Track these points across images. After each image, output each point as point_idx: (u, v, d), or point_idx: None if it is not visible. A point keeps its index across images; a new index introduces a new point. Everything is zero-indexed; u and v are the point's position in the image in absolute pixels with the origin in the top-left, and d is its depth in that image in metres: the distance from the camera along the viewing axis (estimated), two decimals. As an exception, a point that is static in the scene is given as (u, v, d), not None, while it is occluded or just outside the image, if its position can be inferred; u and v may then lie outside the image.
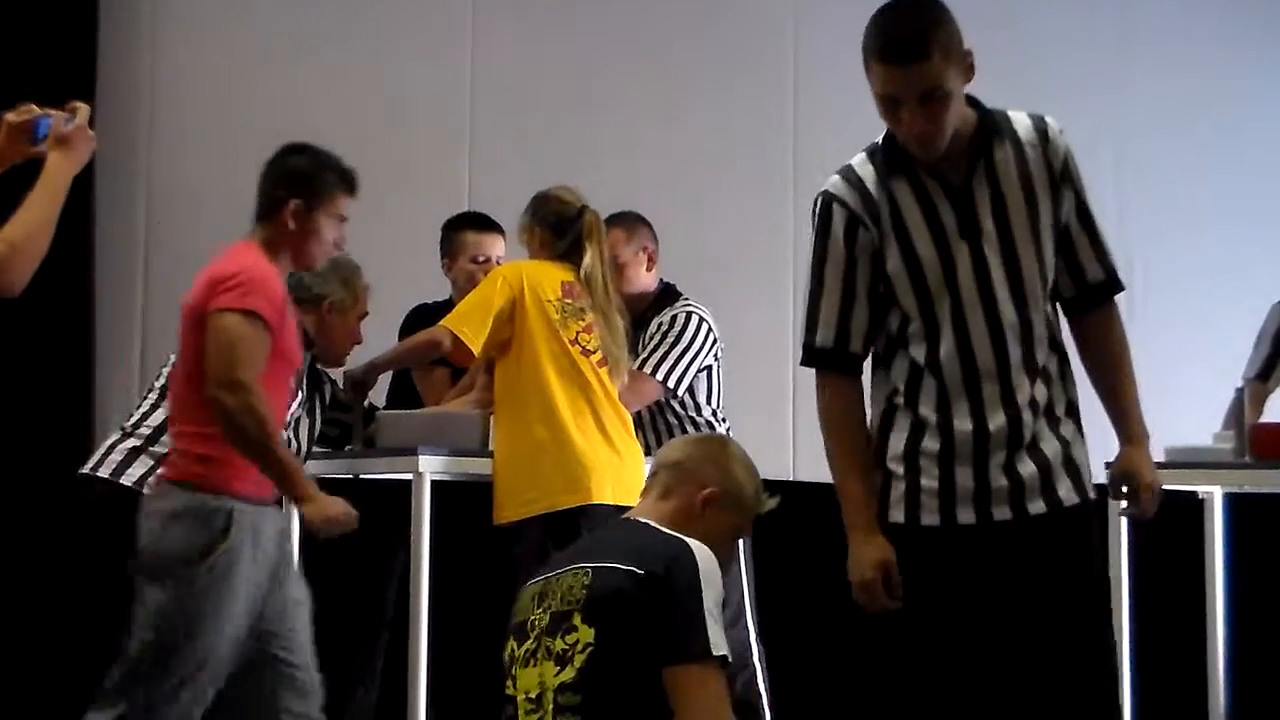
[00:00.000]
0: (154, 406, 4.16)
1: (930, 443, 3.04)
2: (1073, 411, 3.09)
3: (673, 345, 4.90)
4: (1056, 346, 3.08)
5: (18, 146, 3.20)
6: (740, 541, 4.98)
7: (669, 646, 2.94)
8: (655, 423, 5.02)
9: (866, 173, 3.12)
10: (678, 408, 5.01)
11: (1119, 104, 6.33)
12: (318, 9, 6.39)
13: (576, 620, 3.00)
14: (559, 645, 3.01)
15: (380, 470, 4.76)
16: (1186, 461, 4.65)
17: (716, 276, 5.86)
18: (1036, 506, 3.01)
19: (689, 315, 4.97)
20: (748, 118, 6.47)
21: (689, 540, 3.06)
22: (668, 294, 5.07)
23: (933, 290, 3.03)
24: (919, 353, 3.06)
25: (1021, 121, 3.07)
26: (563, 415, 4.44)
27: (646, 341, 4.92)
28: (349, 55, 6.33)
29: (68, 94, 3.30)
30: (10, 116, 3.20)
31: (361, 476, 4.90)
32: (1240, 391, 4.65)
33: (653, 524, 3.16)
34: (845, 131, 6.34)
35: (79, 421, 5.81)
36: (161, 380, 4.18)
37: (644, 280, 5.05)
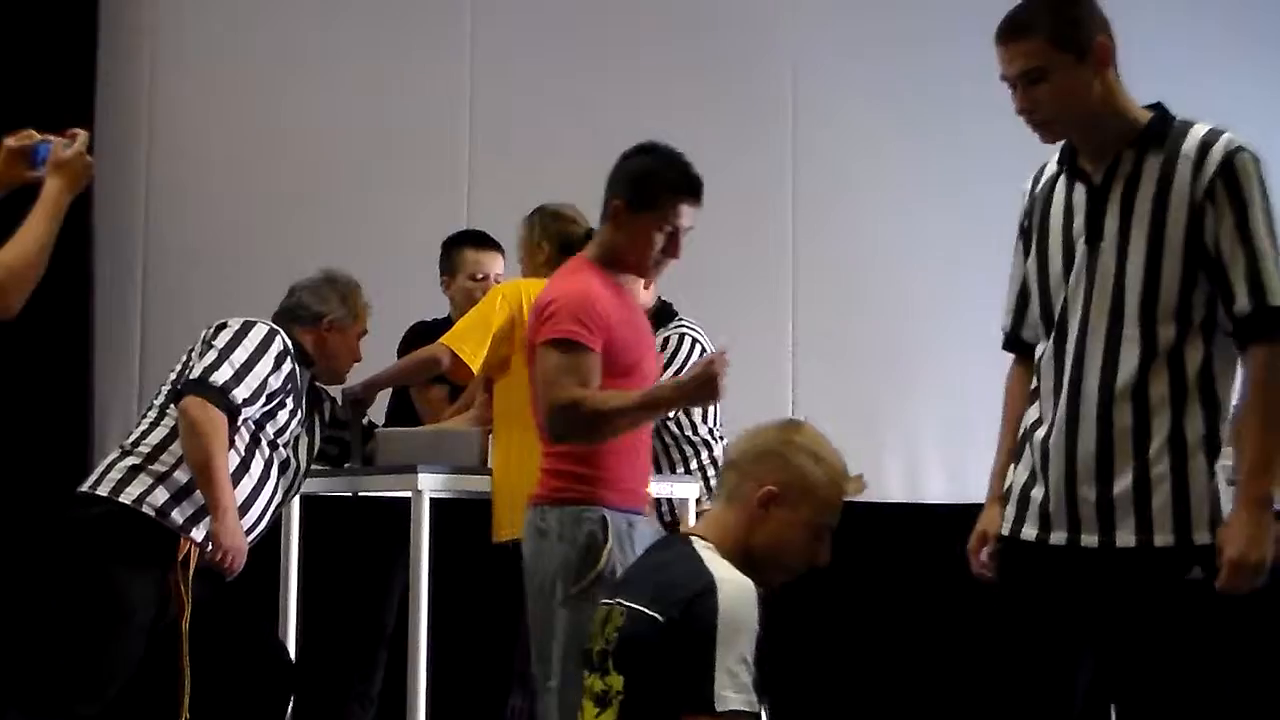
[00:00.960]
0: (153, 425, 4.13)
1: (1025, 448, 3.04)
2: (1179, 445, 2.87)
3: (665, 367, 4.90)
4: (1180, 373, 2.89)
5: (17, 171, 3.22)
6: None
7: (681, 694, 2.82)
8: (652, 443, 5.02)
9: (1049, 166, 3.10)
10: (673, 427, 5.02)
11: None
12: (316, 30, 6.40)
13: (610, 665, 2.93)
14: (599, 686, 2.95)
15: (379, 488, 4.76)
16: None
17: (716, 289, 5.86)
18: (1125, 539, 2.88)
19: (682, 337, 4.99)
20: (746, 131, 6.48)
21: (720, 576, 2.89)
22: (664, 312, 5.09)
23: (1051, 290, 3.00)
24: (1039, 351, 3.05)
25: (1194, 135, 2.93)
26: None
27: None
28: (348, 74, 6.34)
29: (66, 119, 3.32)
30: (10, 141, 3.22)
31: (360, 494, 4.91)
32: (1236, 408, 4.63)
33: (699, 546, 2.99)
34: (843, 141, 6.49)
35: (77, 440, 5.82)
36: (161, 399, 4.17)
37: (641, 297, 5.03)
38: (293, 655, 4.60)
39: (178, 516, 3.99)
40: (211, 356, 4.05)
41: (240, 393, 4.02)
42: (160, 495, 3.99)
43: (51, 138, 3.21)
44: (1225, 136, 2.92)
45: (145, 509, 3.97)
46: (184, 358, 4.19)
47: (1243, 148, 2.91)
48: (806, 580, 4.96)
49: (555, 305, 3.60)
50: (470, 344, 4.48)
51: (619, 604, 2.97)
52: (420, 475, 4.43)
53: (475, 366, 4.48)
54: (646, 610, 2.89)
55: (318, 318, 4.36)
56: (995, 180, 6.53)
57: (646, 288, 4.69)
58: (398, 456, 4.60)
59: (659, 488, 4.84)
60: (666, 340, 4.97)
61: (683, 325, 5.04)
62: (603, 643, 2.96)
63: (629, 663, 2.89)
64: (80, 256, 5.80)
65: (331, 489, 4.80)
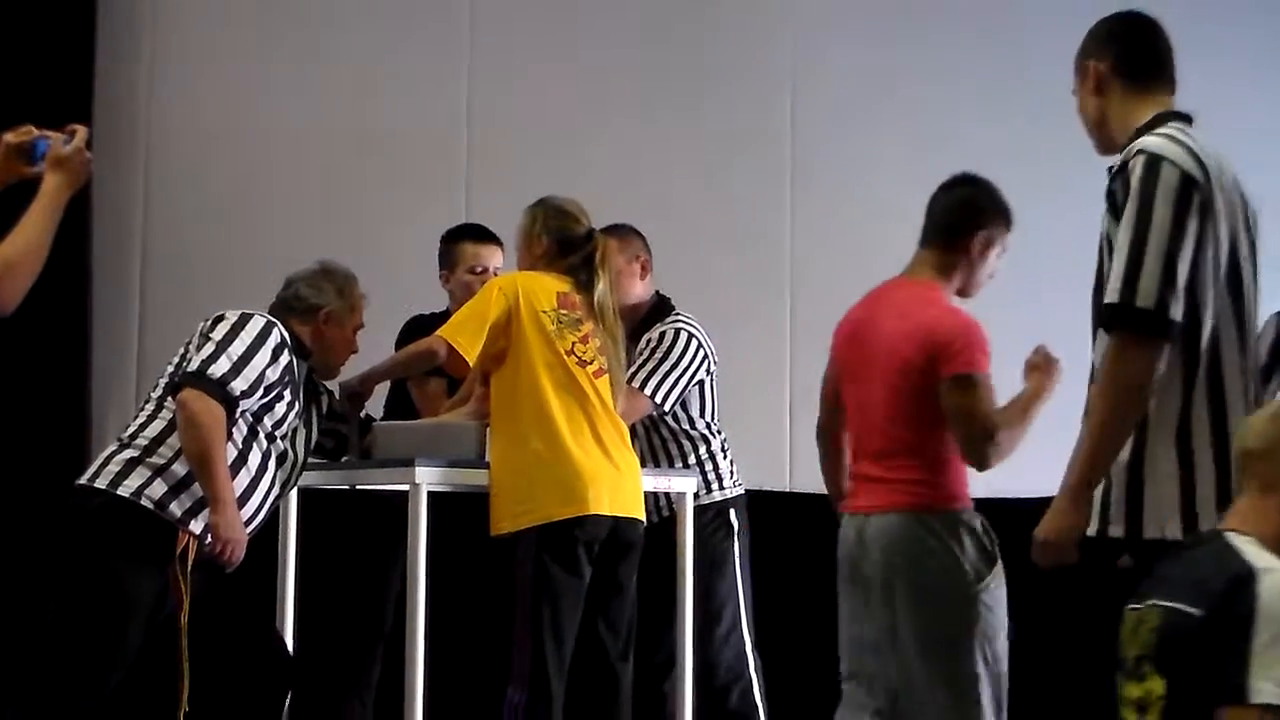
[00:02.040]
0: (150, 417, 4.13)
1: None
2: (1140, 436, 3.14)
3: (661, 361, 4.92)
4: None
5: (15, 167, 3.24)
6: (736, 551, 5.03)
7: (1218, 687, 2.73)
8: (650, 438, 5.05)
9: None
10: (670, 422, 5.03)
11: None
12: (315, 28, 6.40)
13: (1149, 669, 2.84)
14: (1136, 692, 2.87)
15: (377, 481, 4.78)
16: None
17: (714, 291, 5.88)
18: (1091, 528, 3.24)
19: (678, 332, 4.98)
20: (745, 130, 6.51)
21: (1262, 565, 2.79)
22: (662, 307, 5.09)
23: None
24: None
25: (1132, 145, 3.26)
26: (559, 427, 4.43)
27: (636, 357, 4.94)
28: (347, 74, 6.35)
29: (64, 116, 3.33)
30: (9, 137, 3.23)
31: (358, 487, 4.92)
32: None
33: (1235, 540, 2.87)
34: (841, 160, 6.51)
35: (75, 434, 5.83)
36: (158, 391, 4.18)
37: (637, 290, 5.06)
38: (290, 650, 4.62)
39: (176, 509, 4.00)
40: (209, 349, 4.04)
41: (238, 385, 4.02)
42: (159, 488, 4.00)
43: (50, 134, 3.22)
44: (1139, 144, 3.20)
45: (144, 501, 3.98)
46: (181, 350, 4.20)
47: (1143, 150, 3.15)
48: (800, 583, 4.99)
49: (962, 341, 3.84)
50: (466, 336, 4.45)
51: (1155, 605, 2.88)
52: (418, 468, 4.43)
53: (472, 358, 4.46)
54: (1184, 607, 2.82)
55: (314, 310, 4.36)
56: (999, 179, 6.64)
57: None
58: (395, 450, 4.60)
59: (656, 482, 4.86)
60: (663, 334, 4.97)
61: (679, 320, 5.04)
62: (1138, 648, 2.88)
63: (1171, 664, 2.81)
64: (77, 251, 5.80)
65: (329, 482, 4.81)
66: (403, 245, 6.05)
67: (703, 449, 5.07)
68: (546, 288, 4.56)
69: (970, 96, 6.53)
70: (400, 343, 5.15)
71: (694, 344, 4.98)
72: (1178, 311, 3.08)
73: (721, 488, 5.05)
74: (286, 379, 4.18)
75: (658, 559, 4.78)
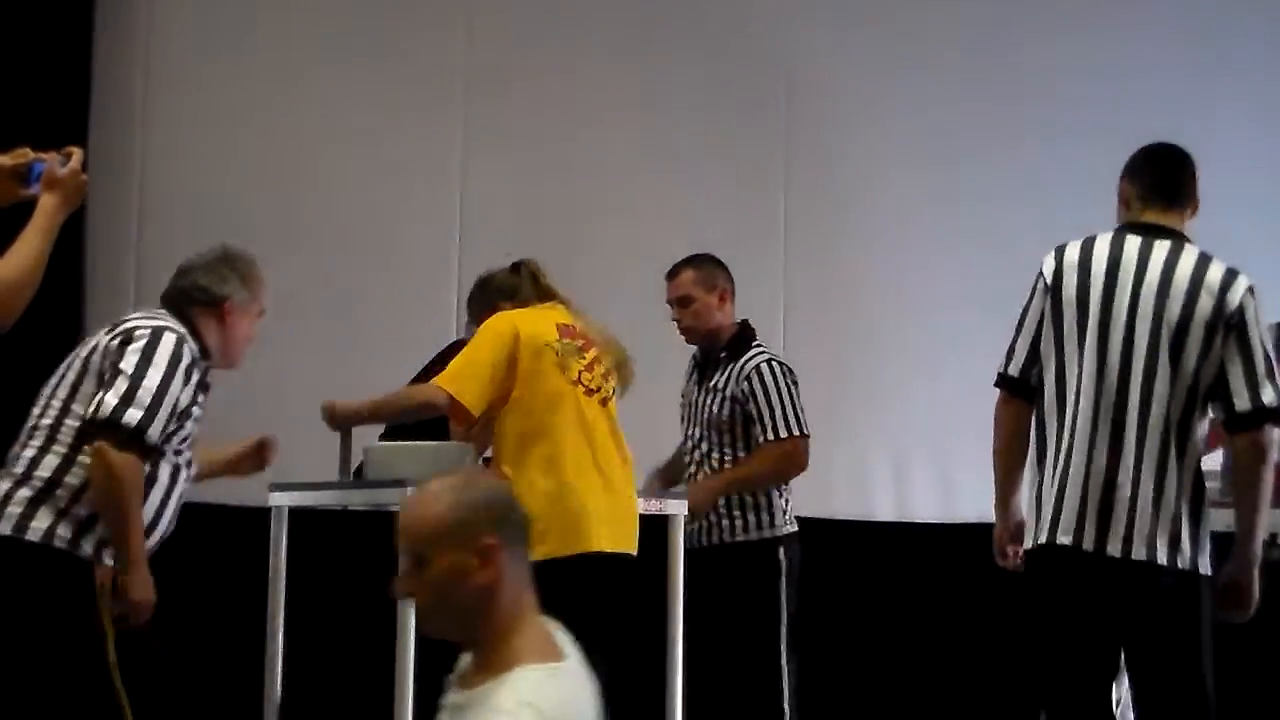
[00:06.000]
0: (43, 450, 3.79)
1: None
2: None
3: (782, 396, 4.99)
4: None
5: (11, 189, 3.24)
6: (781, 590, 5.02)
7: None
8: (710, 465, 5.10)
9: None
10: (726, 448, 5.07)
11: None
12: (313, 40, 6.41)
13: None
14: None
15: (369, 502, 4.78)
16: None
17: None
18: None
19: (768, 362, 5.04)
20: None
21: None
22: (744, 334, 5.15)
23: None
24: None
25: None
26: (564, 464, 4.41)
27: (743, 399, 5.00)
28: (343, 88, 6.36)
29: (60, 130, 3.34)
30: (4, 159, 3.23)
31: (350, 508, 4.93)
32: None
33: None
34: (836, 158, 6.53)
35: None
36: (49, 418, 3.83)
37: (719, 317, 5.12)
38: (279, 669, 4.60)
39: (87, 546, 3.74)
40: (122, 386, 3.73)
41: (155, 430, 3.74)
42: (66, 529, 3.73)
43: (46, 156, 3.23)
44: None
45: (57, 543, 3.73)
46: (80, 365, 3.85)
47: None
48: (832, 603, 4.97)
49: None
50: (467, 384, 4.38)
51: None
52: (409, 490, 4.43)
53: (474, 408, 4.39)
54: None
55: (218, 300, 4.04)
56: (988, 198, 6.67)
57: None
58: (387, 471, 4.60)
59: (648, 504, 4.85)
60: (759, 371, 5.02)
61: (763, 351, 5.11)
62: None
63: None
64: (73, 269, 5.81)
65: (323, 503, 4.81)
66: (400, 247, 6.07)
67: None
68: (546, 320, 4.53)
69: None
70: (435, 363, 5.06)
71: (785, 368, 5.06)
72: None
73: (773, 525, 5.05)
74: (196, 397, 3.88)
75: (701, 588, 4.89)
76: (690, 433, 5.13)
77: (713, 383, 5.04)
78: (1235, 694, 5.48)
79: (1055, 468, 3.63)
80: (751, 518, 5.03)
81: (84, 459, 3.73)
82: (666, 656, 4.92)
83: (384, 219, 6.30)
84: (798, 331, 6.45)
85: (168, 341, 3.81)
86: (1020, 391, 3.72)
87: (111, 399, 3.71)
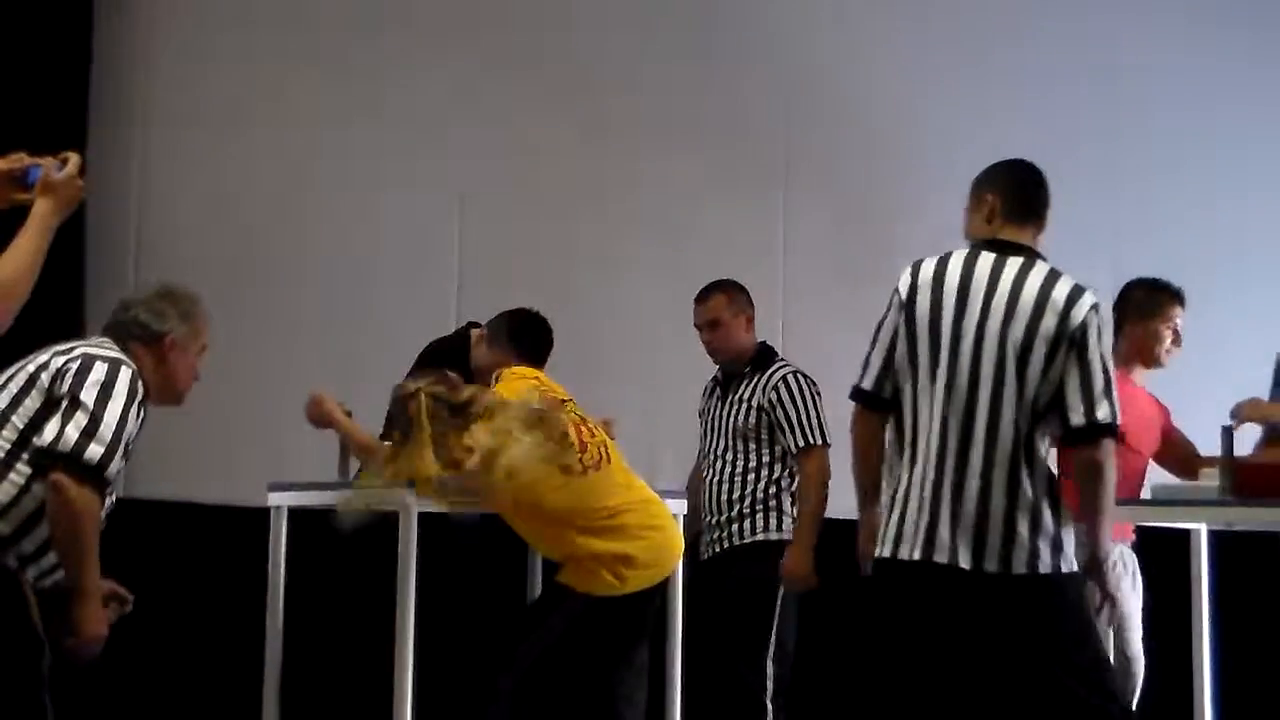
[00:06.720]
0: None
1: None
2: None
3: (806, 406, 5.12)
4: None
5: (7, 193, 3.24)
6: (781, 593, 5.06)
7: None
8: (736, 463, 5.19)
9: None
10: (762, 455, 5.16)
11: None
12: (312, 46, 6.41)
13: None
14: None
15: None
16: (1172, 499, 4.77)
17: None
18: None
19: (794, 375, 5.17)
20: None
21: None
22: (765, 353, 5.28)
23: None
24: None
25: None
26: (597, 529, 4.65)
27: (769, 409, 5.12)
28: (343, 95, 6.36)
29: (59, 132, 3.34)
30: (0, 164, 3.23)
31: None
32: (1228, 430, 4.67)
33: None
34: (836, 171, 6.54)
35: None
36: None
37: (743, 339, 5.26)
38: (279, 669, 4.61)
39: (12, 560, 3.61)
40: (82, 420, 3.65)
41: (114, 468, 3.68)
42: (9, 557, 3.61)
43: (42, 160, 3.23)
44: None
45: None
46: (21, 377, 3.74)
47: None
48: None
49: None
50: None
51: None
52: (407, 491, 4.46)
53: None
54: None
55: (158, 336, 3.97)
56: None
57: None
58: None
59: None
60: (785, 382, 5.16)
61: (785, 364, 5.24)
62: None
63: None
64: (73, 270, 5.81)
65: (323, 503, 4.82)
66: (398, 251, 6.07)
67: (773, 487, 5.15)
68: (548, 383, 4.78)
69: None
70: (420, 362, 5.10)
71: (805, 379, 5.18)
72: None
73: (780, 529, 5.11)
74: (138, 432, 3.80)
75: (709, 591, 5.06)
76: (713, 445, 5.23)
77: (738, 395, 5.18)
78: (1236, 694, 5.52)
79: (907, 483, 3.69)
80: (760, 519, 5.09)
81: (14, 476, 3.63)
82: (666, 656, 4.97)
83: (384, 219, 6.30)
84: (797, 331, 6.45)
85: (124, 376, 3.75)
86: (874, 405, 3.77)
87: (73, 432, 3.63)
